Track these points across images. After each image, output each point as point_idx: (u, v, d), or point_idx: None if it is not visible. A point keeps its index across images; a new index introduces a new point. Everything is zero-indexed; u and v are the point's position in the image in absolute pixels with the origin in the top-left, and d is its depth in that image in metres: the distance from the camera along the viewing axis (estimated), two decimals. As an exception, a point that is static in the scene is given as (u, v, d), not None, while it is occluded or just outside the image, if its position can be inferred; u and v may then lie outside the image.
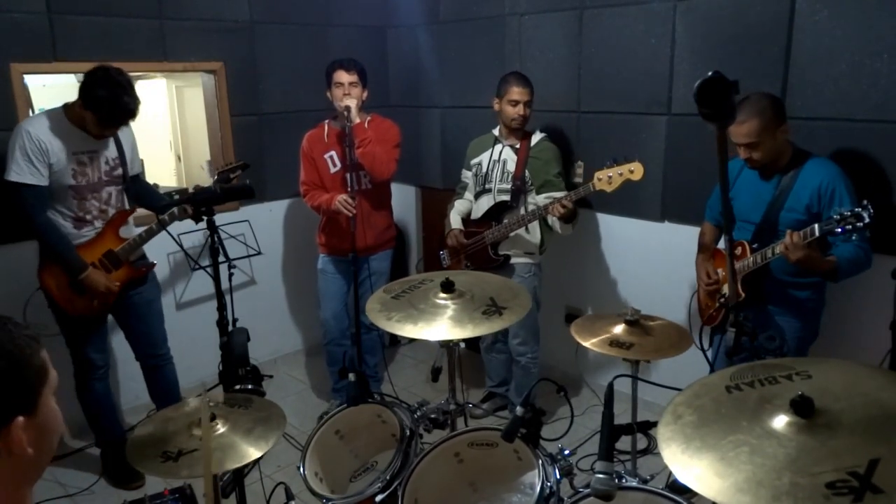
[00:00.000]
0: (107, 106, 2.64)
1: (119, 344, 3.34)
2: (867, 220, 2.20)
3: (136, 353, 3.23)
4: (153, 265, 3.14)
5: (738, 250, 2.67)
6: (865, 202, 2.23)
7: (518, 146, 3.32)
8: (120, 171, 2.94)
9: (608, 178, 2.84)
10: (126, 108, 2.67)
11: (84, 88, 2.66)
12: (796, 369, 1.29)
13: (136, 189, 3.10)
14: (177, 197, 2.98)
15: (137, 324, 3.15)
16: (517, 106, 3.23)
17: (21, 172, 2.68)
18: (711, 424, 1.20)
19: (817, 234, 2.29)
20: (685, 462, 1.15)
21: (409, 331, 2.01)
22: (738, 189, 2.71)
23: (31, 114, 3.32)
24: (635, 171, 2.80)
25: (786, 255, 2.37)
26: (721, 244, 2.92)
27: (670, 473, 1.28)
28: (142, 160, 3.23)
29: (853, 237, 2.27)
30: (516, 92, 3.23)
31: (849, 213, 2.24)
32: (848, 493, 0.99)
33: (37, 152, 2.68)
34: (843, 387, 1.21)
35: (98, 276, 2.83)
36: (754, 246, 2.57)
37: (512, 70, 3.48)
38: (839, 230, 2.24)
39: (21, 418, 0.92)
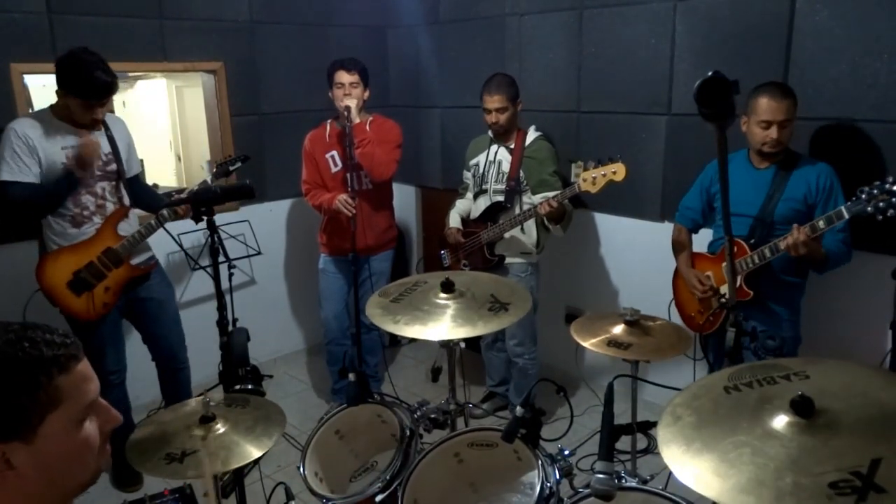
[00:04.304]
0: (85, 83, 2.66)
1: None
2: None
3: (153, 356, 3.23)
4: (153, 264, 3.12)
5: (735, 248, 2.65)
6: (892, 178, 2.18)
7: (513, 146, 3.32)
8: (114, 166, 2.93)
9: (592, 179, 2.83)
10: (102, 80, 2.68)
11: (59, 75, 2.68)
12: (794, 370, 1.29)
13: (135, 190, 3.09)
14: (176, 196, 2.98)
15: (151, 326, 3.15)
16: (490, 114, 3.25)
17: (10, 171, 2.70)
18: (711, 426, 1.20)
19: (846, 216, 2.26)
20: (686, 463, 1.14)
21: (418, 332, 2.01)
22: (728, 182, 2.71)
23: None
24: (618, 171, 2.80)
25: (792, 250, 2.35)
26: (703, 247, 2.91)
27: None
28: (141, 160, 3.22)
29: (890, 211, 2.18)
30: (486, 100, 3.24)
31: (877, 191, 2.18)
32: (851, 492, 0.98)
33: (24, 148, 2.70)
34: (842, 387, 1.21)
35: (86, 144, 2.75)
36: (752, 242, 2.56)
37: (506, 70, 3.48)
38: (869, 209, 2.19)
39: (1, 446, 0.87)
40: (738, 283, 2.63)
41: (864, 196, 2.22)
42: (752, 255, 2.52)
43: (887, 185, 2.17)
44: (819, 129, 2.79)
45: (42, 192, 2.75)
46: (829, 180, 2.51)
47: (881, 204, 2.18)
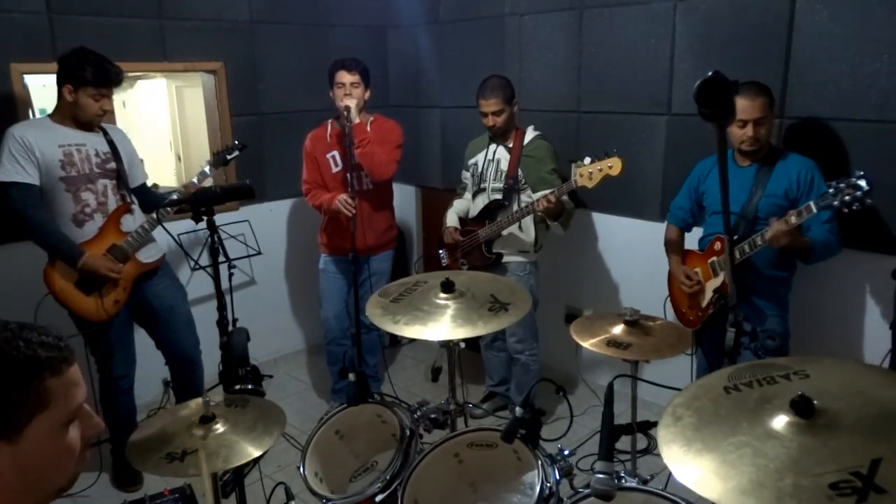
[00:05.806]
0: (97, 70, 2.74)
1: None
2: (866, 187, 2.15)
3: (167, 360, 3.22)
4: (162, 259, 3.11)
5: (717, 245, 2.66)
6: (859, 172, 2.18)
7: (511, 145, 3.33)
8: (113, 165, 2.93)
9: (589, 174, 2.85)
10: (113, 68, 2.79)
11: (68, 68, 2.74)
12: (794, 369, 1.28)
13: (147, 197, 3.10)
14: (176, 196, 2.99)
15: (164, 332, 3.14)
16: (486, 117, 3.27)
17: (6, 172, 2.70)
18: (711, 426, 1.19)
19: (814, 210, 2.27)
20: (686, 464, 1.14)
21: (418, 332, 2.01)
22: (713, 182, 2.73)
23: (31, 114, 3.33)
24: (614, 166, 2.81)
25: (773, 243, 2.37)
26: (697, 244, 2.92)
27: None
28: (146, 173, 3.23)
29: (855, 205, 2.18)
30: (482, 104, 3.25)
31: (843, 185, 2.18)
32: (851, 493, 0.98)
33: (20, 149, 2.71)
34: (842, 386, 1.21)
35: (96, 260, 2.80)
36: (735, 238, 2.56)
37: (506, 70, 3.47)
38: (836, 203, 2.20)
39: None
40: (721, 279, 2.65)
41: (831, 190, 2.22)
42: (734, 250, 2.52)
43: (853, 179, 2.18)
44: (819, 129, 2.79)
45: (39, 230, 2.76)
46: (811, 174, 2.53)
47: (846, 198, 2.18)
